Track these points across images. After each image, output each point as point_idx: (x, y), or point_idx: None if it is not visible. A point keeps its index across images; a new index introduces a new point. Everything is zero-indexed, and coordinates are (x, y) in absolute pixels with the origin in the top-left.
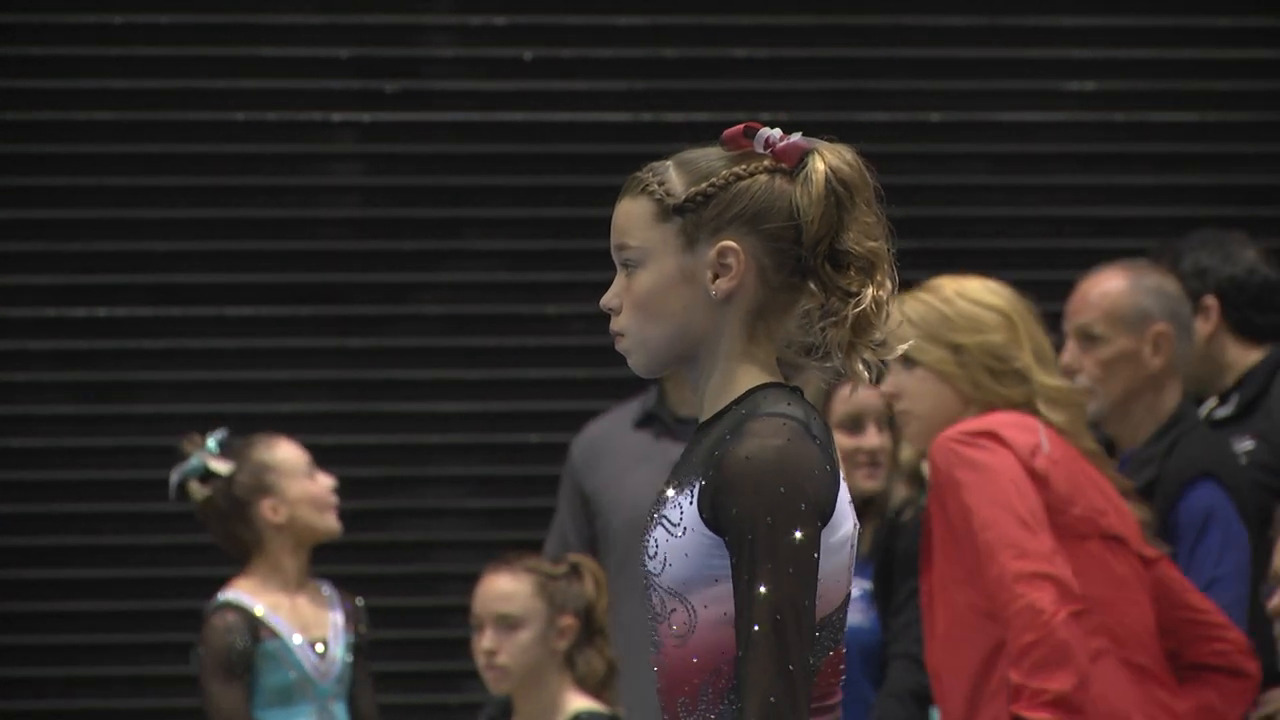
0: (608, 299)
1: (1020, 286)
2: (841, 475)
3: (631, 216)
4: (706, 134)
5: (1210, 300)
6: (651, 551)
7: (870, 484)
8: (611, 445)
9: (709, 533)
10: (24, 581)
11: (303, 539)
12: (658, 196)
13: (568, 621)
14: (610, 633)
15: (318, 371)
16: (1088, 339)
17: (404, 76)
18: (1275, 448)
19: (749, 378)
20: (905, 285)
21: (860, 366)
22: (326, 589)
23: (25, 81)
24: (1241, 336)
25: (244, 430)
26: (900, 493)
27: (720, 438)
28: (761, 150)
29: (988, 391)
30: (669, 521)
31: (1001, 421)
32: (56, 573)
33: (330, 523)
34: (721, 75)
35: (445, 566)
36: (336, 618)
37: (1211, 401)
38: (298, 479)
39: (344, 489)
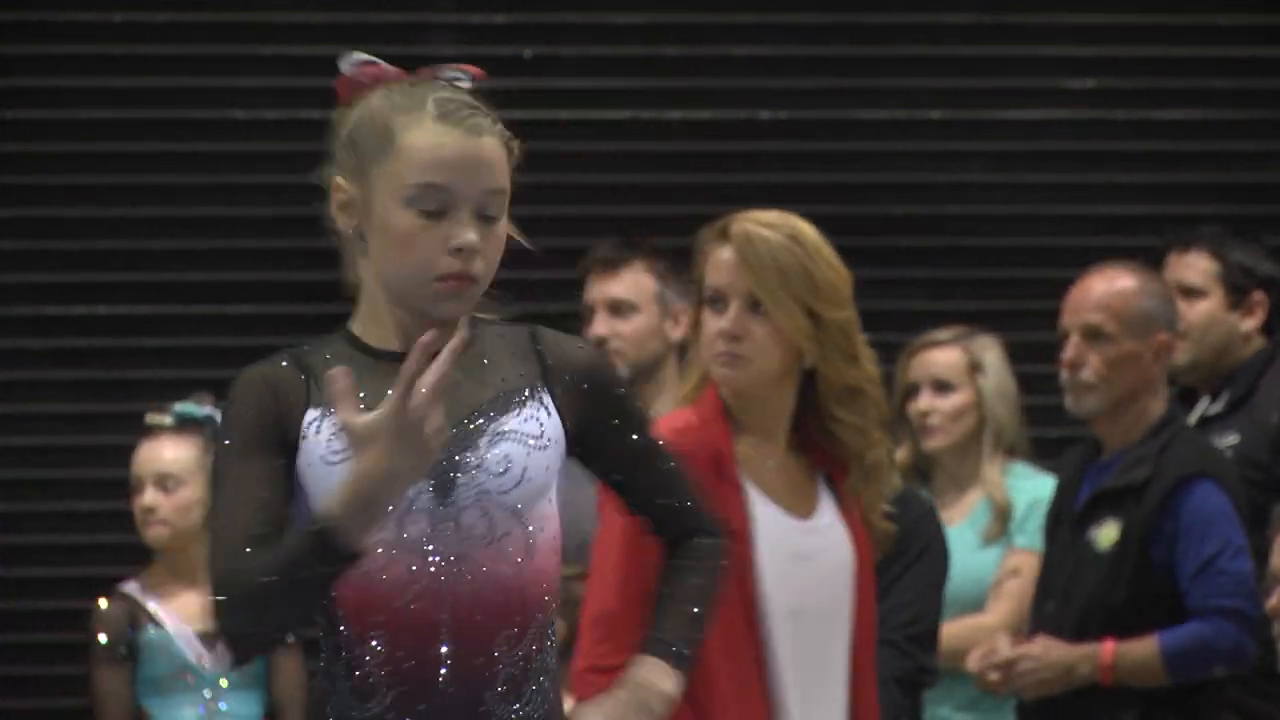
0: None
1: (1021, 284)
2: None
3: None
4: (706, 132)
5: (1259, 295)
6: (500, 468)
7: None
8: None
9: (565, 446)
10: (23, 579)
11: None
12: None
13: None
14: None
15: None
16: (1094, 337)
17: None
18: (1258, 443)
19: None
20: (900, 283)
21: None
22: None
23: (25, 79)
24: (1269, 333)
25: None
26: None
27: (521, 352)
28: None
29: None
30: (526, 435)
31: None
32: (55, 570)
33: (147, 535)
34: (721, 73)
35: None
36: None
37: (1204, 401)
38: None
39: None
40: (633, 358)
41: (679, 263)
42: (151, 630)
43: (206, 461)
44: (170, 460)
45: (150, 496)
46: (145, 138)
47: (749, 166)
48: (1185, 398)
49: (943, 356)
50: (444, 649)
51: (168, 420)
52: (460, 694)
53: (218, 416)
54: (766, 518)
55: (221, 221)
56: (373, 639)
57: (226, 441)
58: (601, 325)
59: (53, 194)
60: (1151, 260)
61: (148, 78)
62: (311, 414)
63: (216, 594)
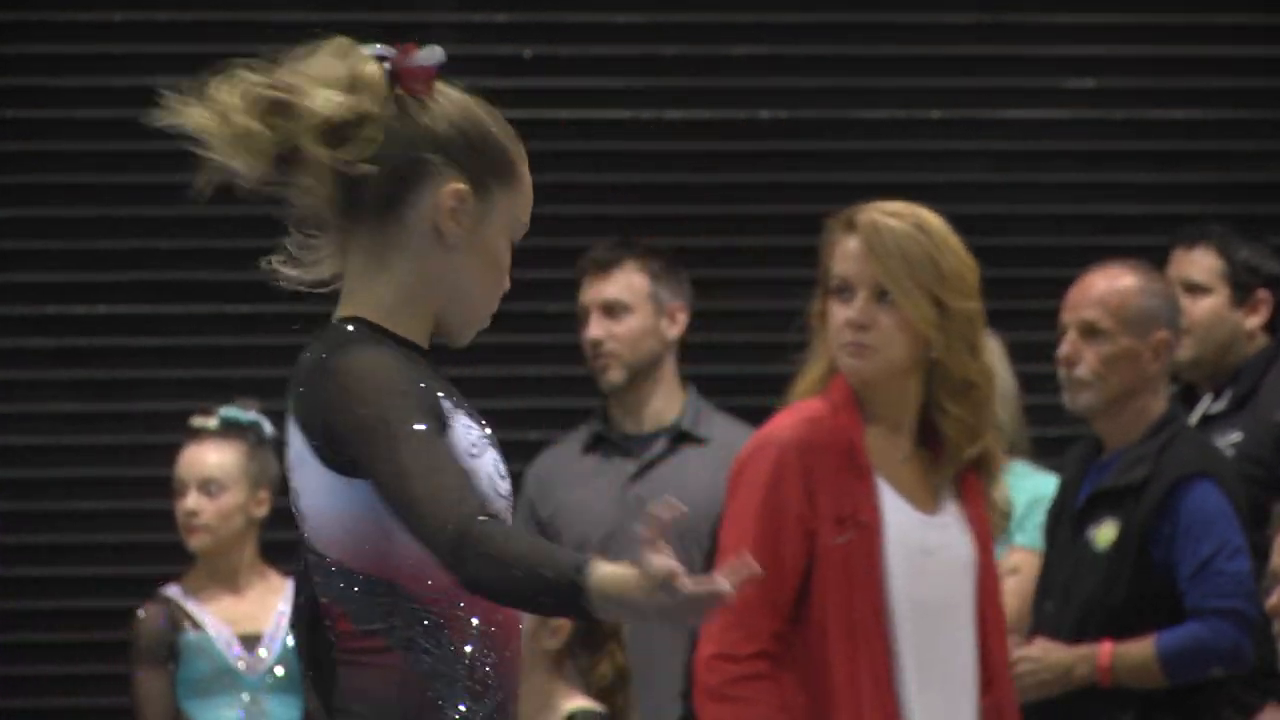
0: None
1: (1020, 284)
2: None
3: None
4: (707, 131)
5: (1264, 294)
6: None
7: None
8: (562, 471)
9: None
10: (23, 579)
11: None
12: None
13: (559, 621)
14: None
15: None
16: (1091, 333)
17: None
18: (1261, 441)
19: None
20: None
21: None
22: (290, 585)
23: (25, 79)
24: (1272, 331)
25: None
26: None
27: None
28: None
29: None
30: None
31: None
32: (55, 570)
33: (189, 541)
34: (721, 73)
35: None
36: (283, 613)
37: (1206, 399)
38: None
39: None
40: (629, 359)
41: (679, 261)
42: (191, 633)
43: (251, 467)
44: (214, 465)
45: (193, 500)
46: (145, 137)
47: (749, 166)
48: (1186, 396)
49: None
50: (519, 647)
51: (212, 424)
52: (515, 693)
53: (263, 421)
54: (895, 511)
55: (221, 220)
56: (491, 638)
57: (396, 399)
58: (596, 327)
59: (53, 193)
60: (1157, 258)
61: (148, 77)
62: (446, 403)
63: (464, 542)
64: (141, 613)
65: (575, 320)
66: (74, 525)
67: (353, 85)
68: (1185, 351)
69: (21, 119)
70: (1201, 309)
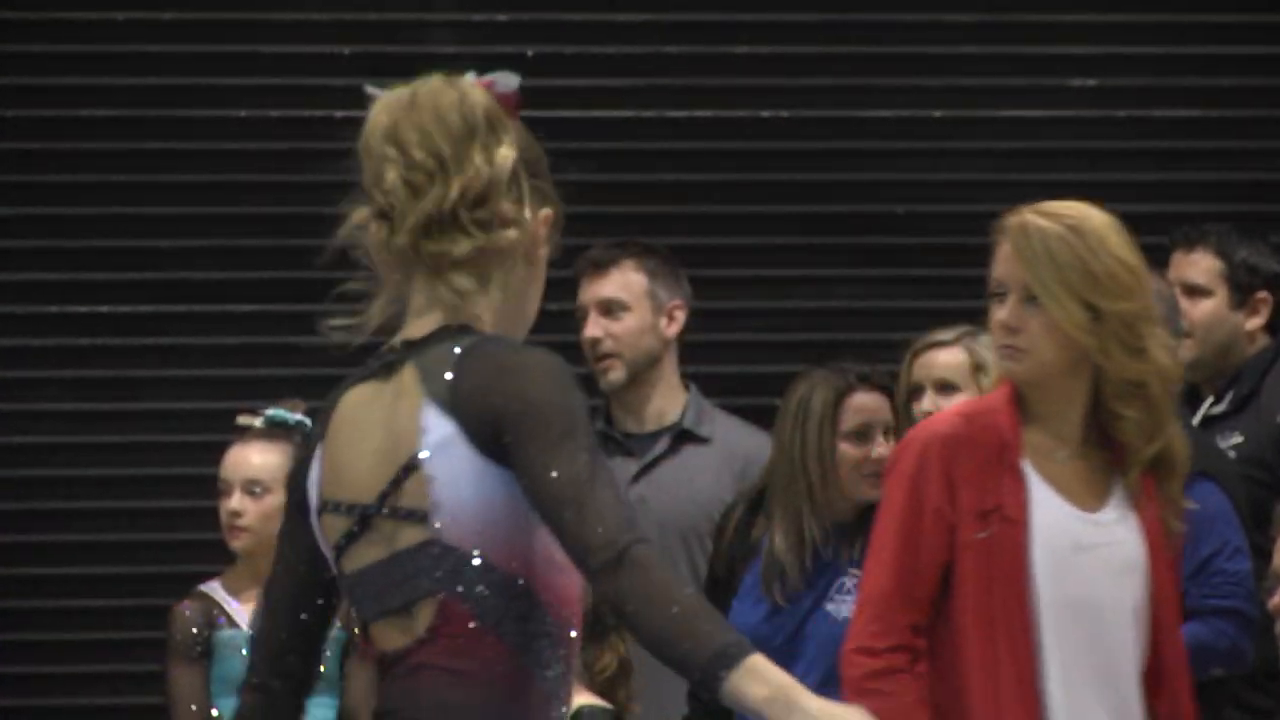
0: None
1: None
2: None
3: None
4: (708, 130)
5: (1264, 294)
6: None
7: (877, 493)
8: None
9: None
10: (26, 578)
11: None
12: None
13: None
14: None
15: (321, 369)
16: None
17: (406, 74)
18: (1263, 443)
19: None
20: (902, 281)
21: None
22: None
23: (28, 78)
24: (1273, 332)
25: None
26: None
27: None
28: None
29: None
30: None
31: None
32: (58, 569)
33: (231, 541)
34: (724, 72)
35: None
36: None
37: (1208, 400)
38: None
39: None
40: (628, 357)
41: (677, 260)
42: (227, 630)
43: None
44: (258, 466)
45: (237, 501)
46: (148, 136)
47: (751, 165)
48: (1190, 397)
49: (945, 357)
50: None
51: (258, 424)
52: None
53: (309, 423)
54: (1046, 507)
55: (224, 220)
56: (573, 651)
57: (581, 403)
58: (594, 326)
59: (55, 192)
60: (1160, 257)
61: (150, 76)
62: None
63: (629, 558)
64: (177, 608)
65: (576, 320)
66: (76, 524)
67: (499, 125)
68: (1185, 353)
69: (24, 118)
70: (1201, 311)
